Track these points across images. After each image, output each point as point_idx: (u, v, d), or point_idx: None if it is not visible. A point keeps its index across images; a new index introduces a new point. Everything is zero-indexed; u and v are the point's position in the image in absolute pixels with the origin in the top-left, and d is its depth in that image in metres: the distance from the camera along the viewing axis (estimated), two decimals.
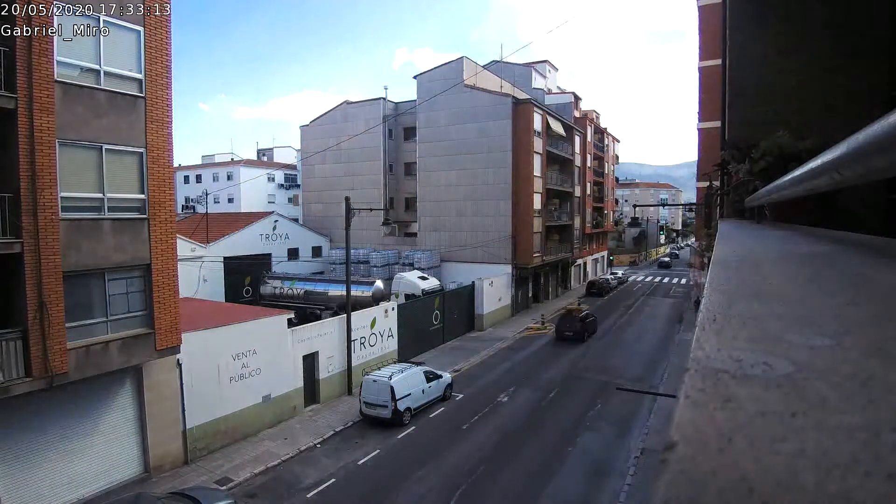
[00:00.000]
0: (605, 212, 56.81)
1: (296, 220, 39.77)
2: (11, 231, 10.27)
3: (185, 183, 54.05)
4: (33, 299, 10.53)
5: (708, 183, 15.24)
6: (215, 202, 48.68)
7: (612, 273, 54.68)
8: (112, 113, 11.92)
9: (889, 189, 3.56)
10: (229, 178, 51.82)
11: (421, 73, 37.05)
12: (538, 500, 12.74)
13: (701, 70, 21.63)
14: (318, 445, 15.78)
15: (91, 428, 12.56)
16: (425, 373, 18.68)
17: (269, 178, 54.19)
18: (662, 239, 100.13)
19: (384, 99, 38.86)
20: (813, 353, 0.59)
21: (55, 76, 10.81)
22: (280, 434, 16.37)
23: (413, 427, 16.91)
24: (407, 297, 27.49)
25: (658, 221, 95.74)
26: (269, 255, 33.67)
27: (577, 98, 49.57)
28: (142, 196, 12.57)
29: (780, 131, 3.48)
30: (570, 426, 16.96)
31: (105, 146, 11.79)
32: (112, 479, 12.95)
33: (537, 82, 46.19)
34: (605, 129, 57.99)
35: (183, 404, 14.31)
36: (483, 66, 38.07)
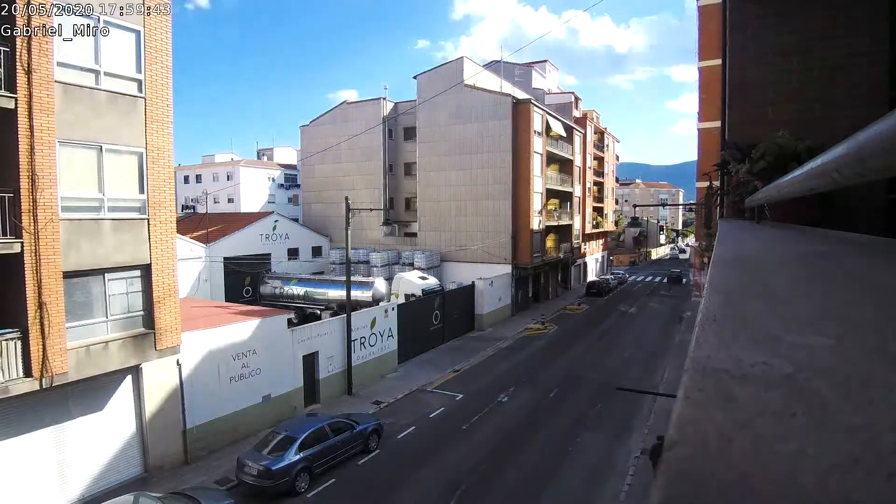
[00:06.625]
0: (605, 212, 56.80)
1: (296, 220, 39.77)
2: (11, 231, 10.28)
3: (185, 183, 54.01)
4: (33, 299, 10.54)
5: (708, 183, 15.25)
6: (215, 202, 48.67)
7: (612, 273, 54.67)
8: (112, 113, 11.94)
9: (889, 189, 3.56)
10: (229, 178, 51.79)
11: (421, 73, 37.03)
12: (538, 500, 12.74)
13: (701, 70, 21.63)
14: None
15: (91, 428, 12.56)
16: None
17: (268, 178, 54.18)
18: (662, 239, 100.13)
19: (384, 99, 38.85)
20: (813, 353, 0.59)
21: (55, 76, 10.82)
22: None
23: (413, 427, 16.92)
24: (407, 297, 27.49)
25: (658, 221, 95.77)
26: (269, 255, 33.69)
27: (577, 98, 49.58)
28: (142, 196, 12.58)
29: (780, 131, 3.48)
30: (570, 426, 16.96)
31: (105, 146, 11.81)
32: (112, 479, 12.96)
33: (537, 82, 46.19)
34: (605, 129, 57.99)
35: (183, 404, 14.32)
36: (483, 66, 38.06)
